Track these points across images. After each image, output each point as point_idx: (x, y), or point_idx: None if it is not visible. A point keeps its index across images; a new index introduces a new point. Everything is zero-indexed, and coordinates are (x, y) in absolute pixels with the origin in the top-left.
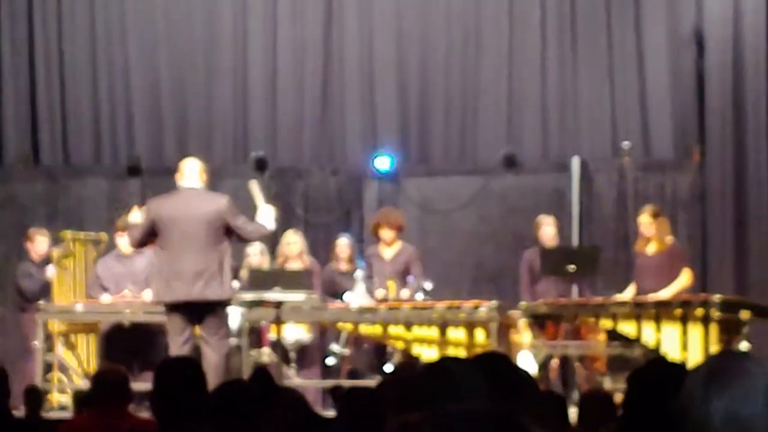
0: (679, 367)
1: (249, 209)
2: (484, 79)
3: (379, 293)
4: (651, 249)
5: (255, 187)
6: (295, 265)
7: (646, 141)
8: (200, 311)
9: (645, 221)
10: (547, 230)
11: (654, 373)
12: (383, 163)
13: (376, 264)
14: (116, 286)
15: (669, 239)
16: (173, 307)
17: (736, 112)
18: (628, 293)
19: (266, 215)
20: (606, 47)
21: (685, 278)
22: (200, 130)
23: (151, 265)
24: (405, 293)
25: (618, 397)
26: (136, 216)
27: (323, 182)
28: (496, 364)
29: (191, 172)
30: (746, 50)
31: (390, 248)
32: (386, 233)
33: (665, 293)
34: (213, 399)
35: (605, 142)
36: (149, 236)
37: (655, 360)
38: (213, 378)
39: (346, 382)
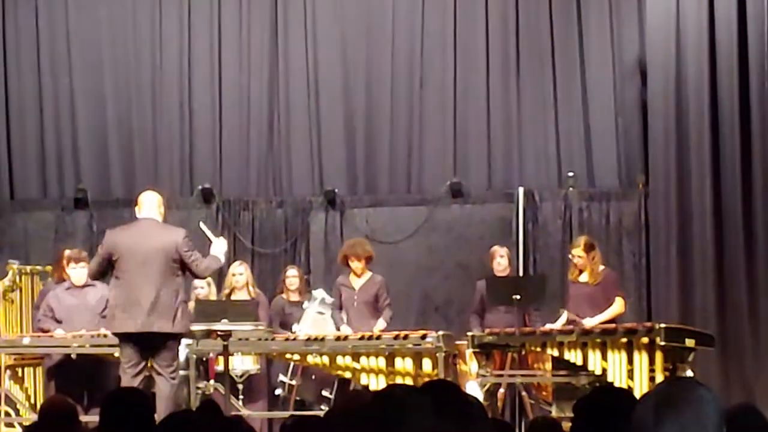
0: (626, 394)
1: (201, 244)
2: (429, 110)
3: (344, 329)
4: (583, 278)
5: (204, 227)
6: (241, 296)
7: (591, 171)
8: (154, 343)
9: (578, 253)
10: (501, 261)
11: (601, 400)
12: None
13: (345, 293)
14: (69, 318)
15: (602, 269)
16: (127, 339)
17: (678, 142)
18: (560, 322)
19: (218, 248)
20: (550, 78)
21: (617, 306)
22: (146, 163)
23: (102, 297)
24: (381, 324)
25: (566, 426)
26: None
27: (270, 213)
28: (444, 392)
29: (150, 205)
30: (688, 80)
31: (359, 279)
32: (355, 264)
33: (597, 320)
34: (161, 431)
35: (550, 171)
36: (107, 267)
37: (602, 388)
38: (164, 410)
39: (295, 413)
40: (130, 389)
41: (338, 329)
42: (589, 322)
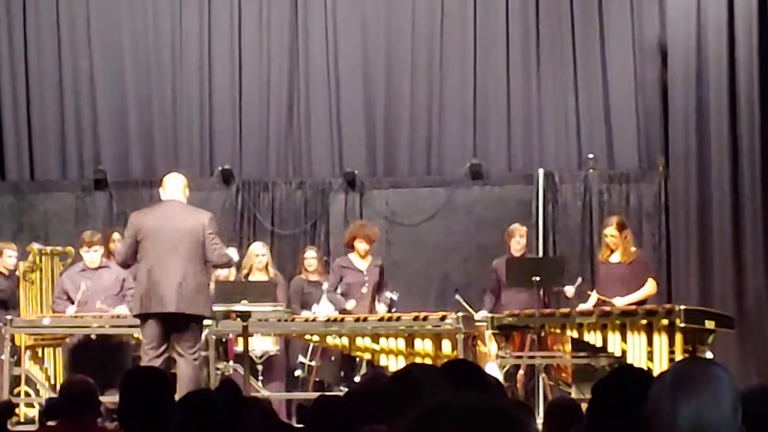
0: (645, 375)
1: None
2: (449, 91)
3: (350, 305)
4: (615, 259)
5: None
6: (260, 277)
7: (611, 152)
8: (178, 324)
9: (611, 232)
10: (521, 241)
11: (620, 381)
12: None
13: (349, 275)
14: (83, 300)
15: (634, 250)
16: (151, 320)
17: (699, 123)
18: (591, 303)
19: (231, 252)
20: (570, 59)
21: (649, 287)
22: (166, 144)
23: (117, 279)
24: (381, 308)
25: (584, 407)
26: None
27: (289, 195)
28: (463, 371)
29: (175, 187)
30: (709, 61)
31: (364, 260)
32: (362, 245)
33: (628, 300)
34: (180, 409)
35: (570, 153)
36: (135, 251)
37: (621, 368)
38: (185, 391)
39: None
40: (149, 368)
41: (344, 310)
42: (619, 302)
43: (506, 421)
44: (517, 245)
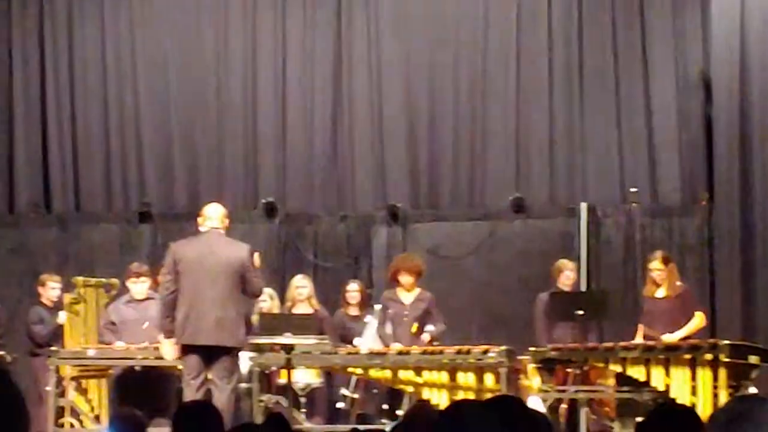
0: (690, 412)
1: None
2: (491, 125)
3: (395, 347)
4: (660, 293)
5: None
6: (303, 309)
7: (654, 186)
8: (215, 355)
9: (656, 266)
10: (570, 275)
11: (664, 419)
12: None
13: (394, 308)
14: (130, 332)
15: (679, 284)
16: (190, 350)
17: (743, 157)
18: (639, 338)
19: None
20: (613, 92)
21: (697, 321)
22: (211, 176)
23: None
24: (425, 338)
25: None
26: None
27: (332, 228)
28: (510, 407)
29: (214, 217)
30: (753, 94)
31: (409, 293)
32: (406, 278)
33: (678, 335)
34: None
35: (613, 187)
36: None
37: (665, 405)
38: None
39: (360, 427)
40: (201, 402)
41: (387, 346)
42: (668, 338)
43: None
44: (567, 280)
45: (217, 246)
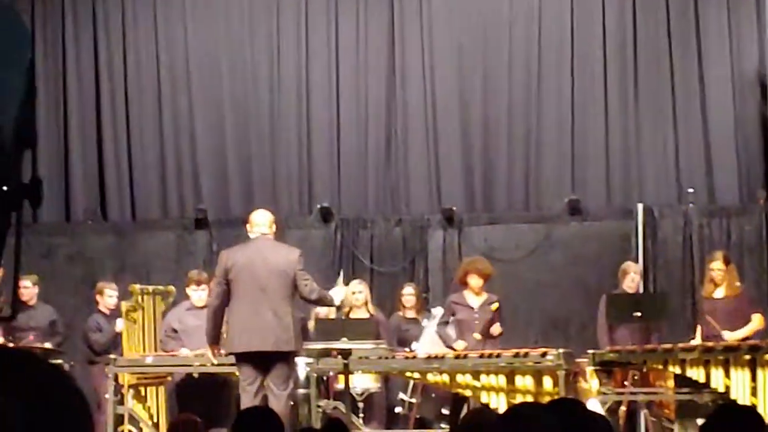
0: (752, 413)
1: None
2: (547, 127)
3: (459, 345)
4: (719, 294)
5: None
6: (360, 314)
7: (711, 186)
8: (270, 361)
9: (717, 267)
10: (635, 278)
11: (728, 419)
12: None
13: (461, 312)
14: (190, 339)
15: (738, 284)
16: (245, 358)
17: None
18: (698, 338)
19: (338, 292)
20: (669, 92)
21: (757, 322)
22: (265, 182)
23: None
24: (496, 330)
25: None
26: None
27: (388, 232)
28: (571, 410)
29: (262, 224)
30: None
31: (478, 297)
32: (475, 281)
33: (737, 335)
34: None
35: (670, 187)
36: (228, 287)
37: (728, 405)
38: None
39: None
40: (261, 408)
41: (450, 346)
42: (728, 335)
43: None
44: (632, 282)
45: (268, 252)
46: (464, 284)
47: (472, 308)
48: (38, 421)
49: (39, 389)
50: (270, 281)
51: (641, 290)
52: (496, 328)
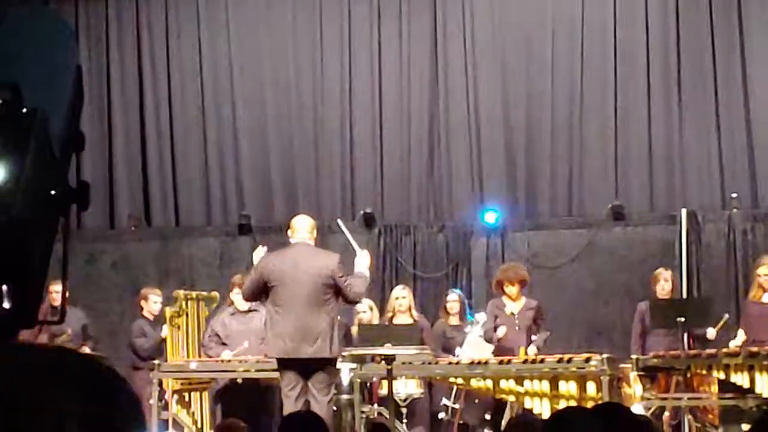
0: None
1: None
2: (589, 132)
3: (501, 330)
4: (767, 299)
5: (343, 226)
6: (403, 320)
7: (755, 191)
8: (310, 368)
9: (764, 272)
10: (666, 285)
11: None
12: (491, 217)
13: (502, 319)
14: (234, 343)
15: None
16: (285, 363)
17: None
18: (738, 341)
19: (363, 264)
20: (712, 97)
21: None
22: (308, 188)
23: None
24: (532, 350)
25: None
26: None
27: (431, 238)
28: (616, 414)
29: (302, 229)
30: None
31: (516, 303)
32: (510, 288)
33: None
34: None
35: (713, 193)
36: (260, 291)
37: None
38: None
39: None
40: (306, 414)
41: (490, 340)
42: None
43: None
44: (662, 290)
45: (306, 257)
46: (501, 292)
47: (512, 314)
48: (97, 427)
49: (100, 394)
50: (306, 287)
51: (681, 295)
52: (533, 350)
